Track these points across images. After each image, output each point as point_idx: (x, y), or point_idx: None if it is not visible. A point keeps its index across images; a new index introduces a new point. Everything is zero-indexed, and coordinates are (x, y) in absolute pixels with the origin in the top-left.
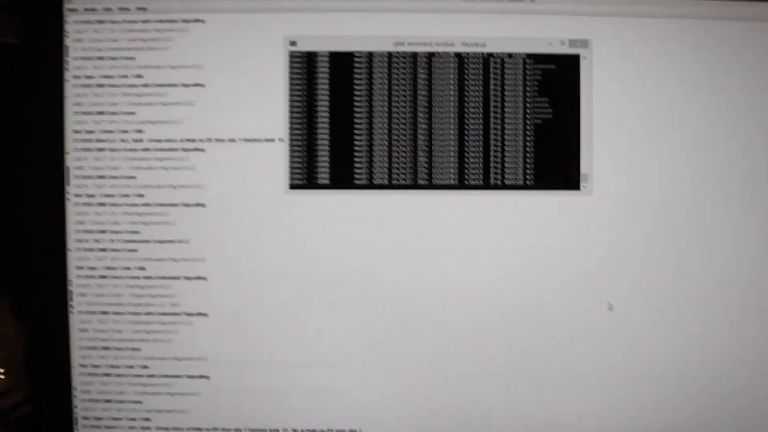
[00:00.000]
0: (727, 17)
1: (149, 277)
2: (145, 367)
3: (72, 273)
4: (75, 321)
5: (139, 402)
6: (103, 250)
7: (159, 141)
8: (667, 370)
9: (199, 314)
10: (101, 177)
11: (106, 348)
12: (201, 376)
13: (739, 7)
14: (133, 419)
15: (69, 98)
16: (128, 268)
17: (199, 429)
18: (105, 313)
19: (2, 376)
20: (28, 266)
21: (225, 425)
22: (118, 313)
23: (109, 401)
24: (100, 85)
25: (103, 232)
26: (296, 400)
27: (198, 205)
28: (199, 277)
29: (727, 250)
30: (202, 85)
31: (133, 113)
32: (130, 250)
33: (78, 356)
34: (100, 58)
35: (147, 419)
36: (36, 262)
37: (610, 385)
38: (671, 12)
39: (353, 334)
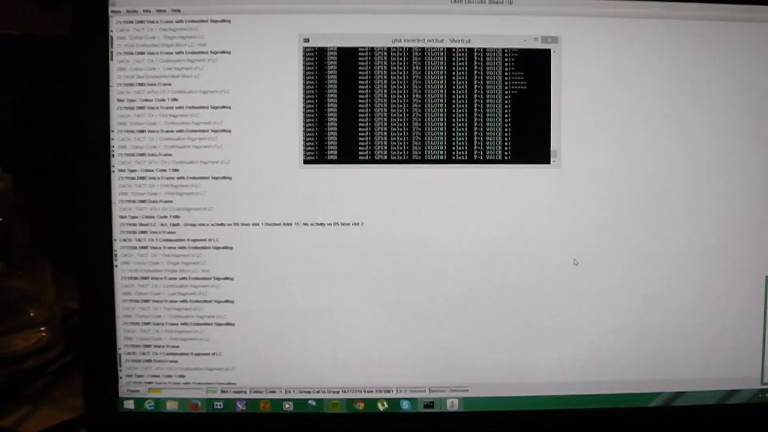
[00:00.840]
0: (681, 17)
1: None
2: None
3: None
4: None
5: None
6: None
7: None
8: (629, 321)
9: (226, 278)
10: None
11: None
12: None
13: (693, 10)
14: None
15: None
16: (165, 224)
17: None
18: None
19: (44, 334)
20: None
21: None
22: (156, 279)
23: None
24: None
25: (143, 201)
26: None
27: (225, 177)
28: (226, 247)
29: (683, 217)
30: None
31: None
32: (166, 218)
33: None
34: (141, 53)
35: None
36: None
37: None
38: (632, 12)
39: (349, 292)
